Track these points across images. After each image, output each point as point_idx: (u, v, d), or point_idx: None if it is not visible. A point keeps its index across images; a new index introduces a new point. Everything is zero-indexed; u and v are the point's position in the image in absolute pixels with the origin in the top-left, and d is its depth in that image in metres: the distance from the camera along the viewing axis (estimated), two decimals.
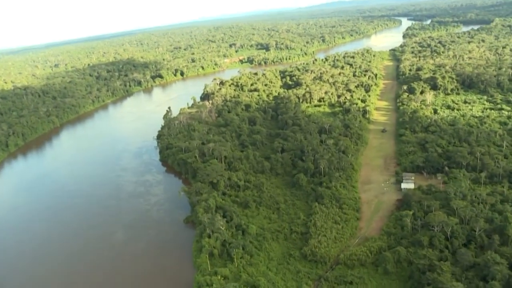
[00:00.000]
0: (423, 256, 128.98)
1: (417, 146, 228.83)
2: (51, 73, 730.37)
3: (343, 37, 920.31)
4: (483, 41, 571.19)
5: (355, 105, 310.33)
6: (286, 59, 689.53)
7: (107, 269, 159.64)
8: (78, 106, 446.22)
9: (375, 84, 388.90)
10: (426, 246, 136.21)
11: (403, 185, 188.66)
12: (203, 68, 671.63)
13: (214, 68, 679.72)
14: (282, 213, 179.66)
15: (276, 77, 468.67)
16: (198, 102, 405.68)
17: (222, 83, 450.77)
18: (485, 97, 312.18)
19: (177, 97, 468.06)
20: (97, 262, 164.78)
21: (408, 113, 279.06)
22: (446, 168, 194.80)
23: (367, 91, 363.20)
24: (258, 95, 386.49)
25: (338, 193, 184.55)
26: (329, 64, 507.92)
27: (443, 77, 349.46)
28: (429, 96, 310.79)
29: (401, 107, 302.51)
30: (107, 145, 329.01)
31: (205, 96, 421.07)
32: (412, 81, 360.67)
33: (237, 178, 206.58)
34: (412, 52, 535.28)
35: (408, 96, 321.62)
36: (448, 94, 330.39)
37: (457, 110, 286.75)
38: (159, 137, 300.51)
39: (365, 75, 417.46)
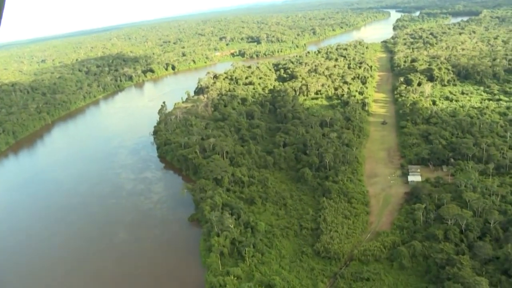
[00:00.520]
0: (440, 250, 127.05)
1: (420, 138, 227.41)
2: (38, 68, 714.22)
3: (333, 29, 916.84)
4: (474, 32, 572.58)
5: (353, 98, 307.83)
6: (278, 51, 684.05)
7: (113, 271, 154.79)
8: (69, 102, 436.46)
9: (371, 76, 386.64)
10: (441, 240, 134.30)
11: (410, 178, 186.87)
12: (194, 62, 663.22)
13: (205, 62, 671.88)
14: (290, 209, 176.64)
15: (270, 70, 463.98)
16: (193, 97, 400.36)
17: (216, 76, 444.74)
18: (482, 88, 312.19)
19: (170, 92, 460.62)
20: (101, 264, 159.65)
21: (408, 104, 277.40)
22: (452, 160, 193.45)
23: (363, 83, 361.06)
24: (254, 89, 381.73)
25: (345, 187, 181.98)
26: (322, 57, 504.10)
27: (440, 69, 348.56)
28: (428, 87, 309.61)
29: (400, 99, 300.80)
30: (102, 141, 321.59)
31: (199, 90, 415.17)
32: (408, 73, 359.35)
33: (241, 173, 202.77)
34: (405, 44, 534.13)
35: (406, 87, 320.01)
36: (444, 85, 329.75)
37: (456, 101, 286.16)
38: (156, 132, 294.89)
39: (360, 67, 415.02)
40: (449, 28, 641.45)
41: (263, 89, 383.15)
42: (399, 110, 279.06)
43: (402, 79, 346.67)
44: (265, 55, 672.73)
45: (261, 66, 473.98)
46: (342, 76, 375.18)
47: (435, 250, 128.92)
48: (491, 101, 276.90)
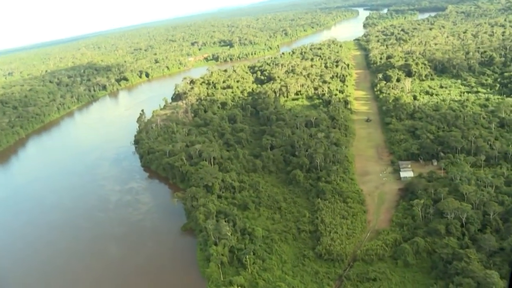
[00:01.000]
0: (445, 245, 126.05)
1: (407, 133, 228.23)
2: (6, 82, 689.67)
3: (304, 30, 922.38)
4: (443, 27, 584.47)
5: (335, 96, 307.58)
6: (251, 54, 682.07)
7: None
8: (43, 114, 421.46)
9: (349, 74, 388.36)
10: (443, 234, 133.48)
11: (402, 174, 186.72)
12: (168, 68, 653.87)
13: (179, 68, 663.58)
14: (285, 212, 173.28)
15: (246, 73, 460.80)
16: (171, 103, 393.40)
17: (193, 82, 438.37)
18: (459, 81, 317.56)
19: (146, 100, 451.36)
20: (95, 284, 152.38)
21: (391, 101, 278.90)
22: (442, 154, 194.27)
23: (343, 81, 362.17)
24: (232, 92, 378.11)
25: (339, 187, 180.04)
26: (298, 57, 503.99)
27: (417, 64, 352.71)
28: (408, 83, 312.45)
29: (381, 96, 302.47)
30: (81, 154, 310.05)
31: (177, 97, 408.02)
32: (385, 69, 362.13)
33: (231, 179, 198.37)
34: (378, 41, 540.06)
35: (386, 84, 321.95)
36: (423, 80, 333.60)
37: (436, 95, 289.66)
38: (137, 142, 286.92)
39: (337, 65, 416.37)
40: (419, 24, 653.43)
41: (241, 92, 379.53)
42: (382, 107, 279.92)
43: (380, 75, 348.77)
44: (239, 58, 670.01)
45: (237, 69, 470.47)
46: (321, 76, 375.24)
47: (440, 245, 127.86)
48: (470, 94, 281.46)
